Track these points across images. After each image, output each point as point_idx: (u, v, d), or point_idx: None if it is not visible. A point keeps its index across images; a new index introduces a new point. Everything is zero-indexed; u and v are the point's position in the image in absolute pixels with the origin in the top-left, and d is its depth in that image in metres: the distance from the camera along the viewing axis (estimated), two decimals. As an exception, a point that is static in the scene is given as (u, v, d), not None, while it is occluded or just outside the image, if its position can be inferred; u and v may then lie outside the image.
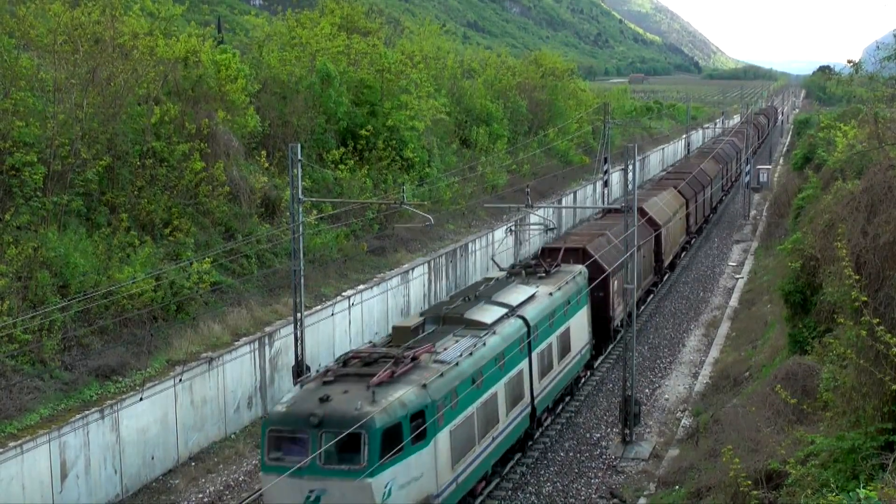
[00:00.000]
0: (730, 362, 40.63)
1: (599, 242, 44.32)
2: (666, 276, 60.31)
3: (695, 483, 26.76)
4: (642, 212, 51.55)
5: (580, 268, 38.87)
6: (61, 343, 28.33)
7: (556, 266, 37.97)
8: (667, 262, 58.69)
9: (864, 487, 13.21)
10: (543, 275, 36.53)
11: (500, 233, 55.59)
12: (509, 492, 30.45)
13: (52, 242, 30.08)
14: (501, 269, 38.35)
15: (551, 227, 60.29)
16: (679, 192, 64.83)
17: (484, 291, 32.51)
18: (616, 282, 42.28)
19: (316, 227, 41.36)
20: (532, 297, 33.01)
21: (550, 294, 34.14)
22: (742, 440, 23.14)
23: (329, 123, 49.37)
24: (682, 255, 67.13)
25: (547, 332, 32.92)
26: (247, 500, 27.89)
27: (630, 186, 34.38)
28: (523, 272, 36.66)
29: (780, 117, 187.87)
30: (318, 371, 25.50)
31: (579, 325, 37.48)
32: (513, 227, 56.81)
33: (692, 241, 71.14)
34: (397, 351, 25.70)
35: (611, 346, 44.85)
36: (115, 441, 27.07)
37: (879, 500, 12.22)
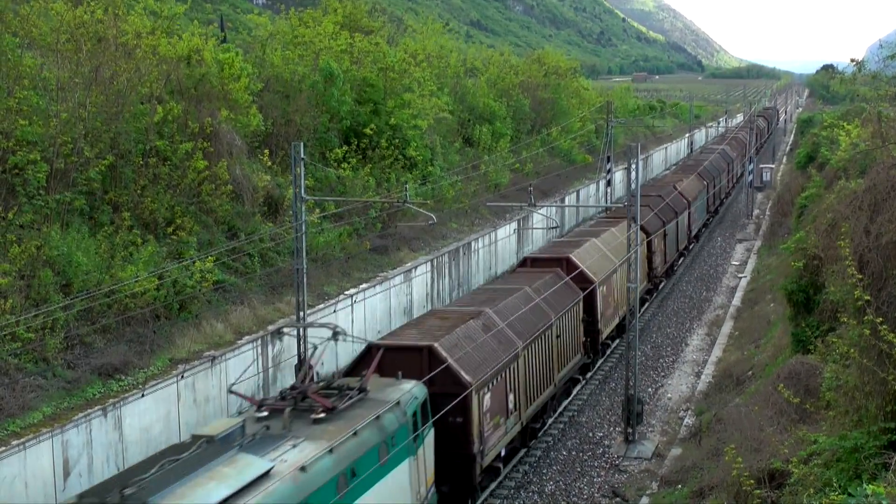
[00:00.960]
0: (732, 361, 40.64)
1: (466, 332, 28.67)
2: (607, 353, 44.60)
3: (697, 482, 26.79)
4: (570, 265, 40.23)
5: (410, 386, 24.32)
6: (64, 341, 28.33)
7: (358, 390, 23.07)
8: (606, 333, 42.84)
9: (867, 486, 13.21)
10: (323, 415, 21.33)
11: (503, 231, 55.61)
12: (512, 490, 30.46)
13: (55, 241, 30.09)
14: (252, 405, 22.78)
15: (554, 225, 60.54)
16: (640, 226, 49.57)
17: (151, 483, 16.92)
18: (488, 396, 27.84)
19: (319, 226, 41.36)
20: (254, 485, 17.80)
21: (303, 468, 18.86)
22: (745, 439, 23.15)
23: (332, 122, 49.35)
24: (642, 311, 50.73)
25: None
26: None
27: (633, 185, 34.36)
28: (287, 411, 21.12)
29: (782, 116, 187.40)
30: None
31: (388, 495, 22.14)
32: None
33: (659, 287, 56.98)
34: None
35: (481, 499, 29.27)
36: (117, 439, 27.08)
37: (886, 496, 12.21)
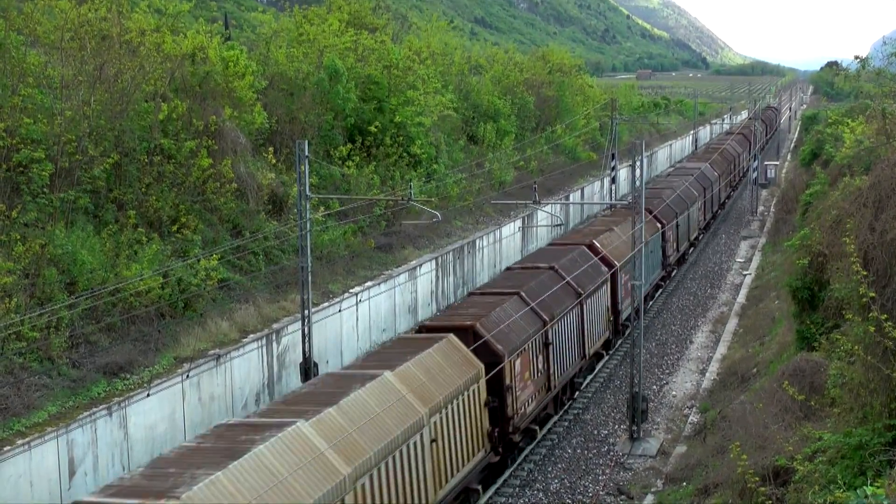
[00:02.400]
0: (737, 359, 40.60)
1: None
2: None
3: (702, 479, 26.78)
4: None
5: None
6: (69, 340, 28.36)
7: None
8: None
9: (871, 484, 13.19)
10: None
11: (507, 229, 55.60)
12: (517, 489, 30.46)
13: (60, 239, 30.12)
14: None
15: (559, 223, 60.50)
16: (487, 341, 28.75)
17: None
18: None
19: (323, 224, 41.37)
20: None
21: None
22: (749, 437, 23.14)
23: (336, 120, 49.36)
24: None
25: None
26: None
27: (638, 183, 34.32)
28: None
29: (786, 115, 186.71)
30: None
31: None
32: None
33: (512, 461, 31.57)
34: None
35: None
36: (122, 438, 27.10)
37: (887, 496, 12.19)
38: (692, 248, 67.49)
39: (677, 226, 57.80)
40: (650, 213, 49.61)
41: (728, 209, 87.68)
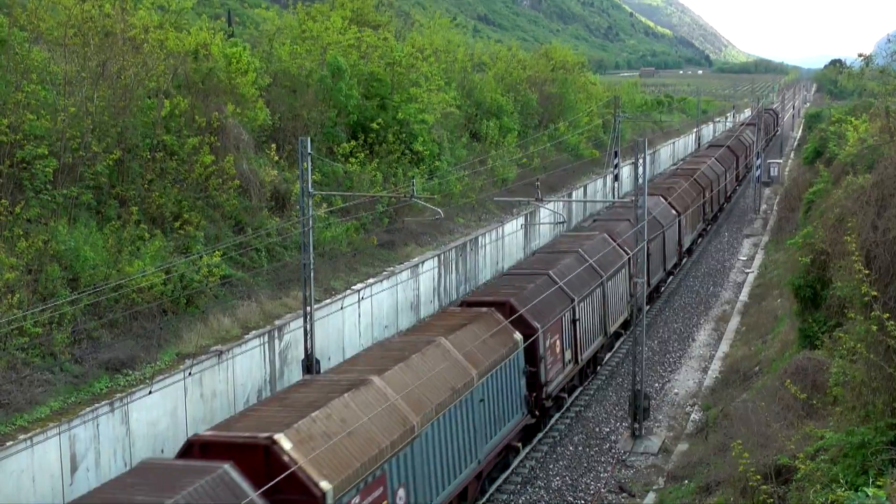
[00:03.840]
0: (739, 357, 40.59)
1: None
2: None
3: (704, 478, 26.77)
4: None
5: None
6: (71, 336, 28.37)
7: None
8: None
9: (873, 483, 13.20)
10: None
11: (510, 226, 55.58)
12: (518, 486, 30.47)
13: (62, 235, 30.13)
14: None
15: (561, 220, 60.49)
16: None
17: None
18: None
19: (326, 221, 41.36)
20: None
21: None
22: (751, 435, 23.13)
23: (339, 117, 49.33)
24: None
25: None
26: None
27: (640, 181, 34.29)
28: None
29: (790, 112, 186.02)
30: None
31: None
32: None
33: None
34: None
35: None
36: (124, 434, 27.12)
37: (888, 498, 12.20)
38: (621, 338, 44.40)
39: (581, 318, 36.74)
40: (514, 311, 31.95)
41: (698, 255, 67.22)
